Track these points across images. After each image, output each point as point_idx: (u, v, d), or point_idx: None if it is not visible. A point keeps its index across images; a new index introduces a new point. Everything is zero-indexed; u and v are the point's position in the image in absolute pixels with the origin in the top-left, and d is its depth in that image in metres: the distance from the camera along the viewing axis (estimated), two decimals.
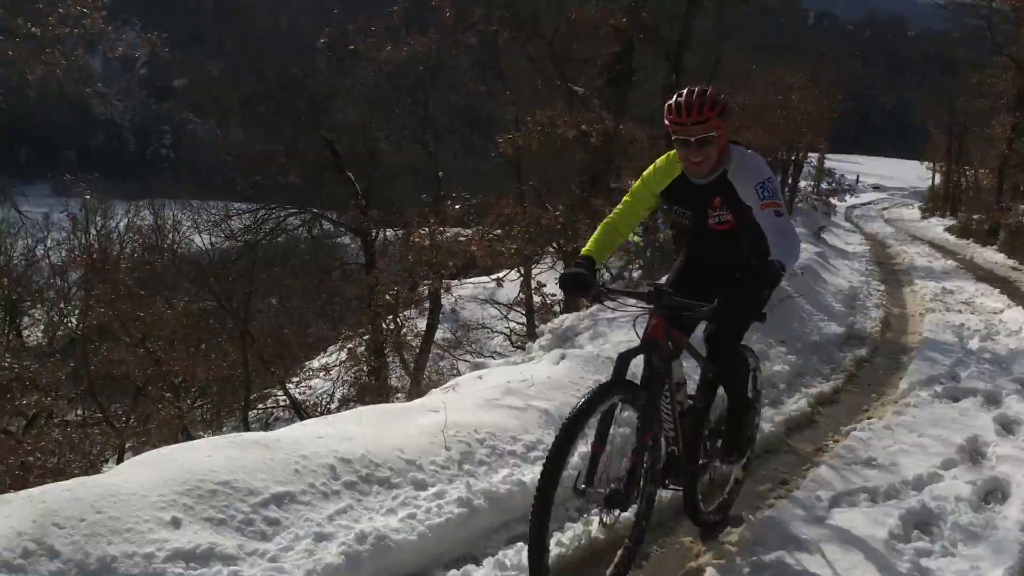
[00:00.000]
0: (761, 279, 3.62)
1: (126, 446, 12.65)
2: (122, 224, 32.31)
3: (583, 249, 4.11)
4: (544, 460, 3.47)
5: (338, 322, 22.07)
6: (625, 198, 4.28)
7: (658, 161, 4.25)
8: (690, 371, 4.46)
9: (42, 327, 25.28)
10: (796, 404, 7.21)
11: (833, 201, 33.30)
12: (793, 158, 25.87)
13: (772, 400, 7.30)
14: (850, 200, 40.60)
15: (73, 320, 22.23)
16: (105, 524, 3.63)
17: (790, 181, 26.09)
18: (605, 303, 3.97)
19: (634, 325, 3.96)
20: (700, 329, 4.51)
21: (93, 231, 29.93)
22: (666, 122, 3.90)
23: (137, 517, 3.70)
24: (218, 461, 4.20)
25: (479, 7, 10.73)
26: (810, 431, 6.75)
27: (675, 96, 3.88)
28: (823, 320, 10.65)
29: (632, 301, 4.02)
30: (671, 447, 4.10)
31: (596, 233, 4.19)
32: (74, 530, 3.56)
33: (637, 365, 3.84)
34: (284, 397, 17.55)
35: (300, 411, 16.41)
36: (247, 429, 14.04)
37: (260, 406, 18.17)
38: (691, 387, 4.43)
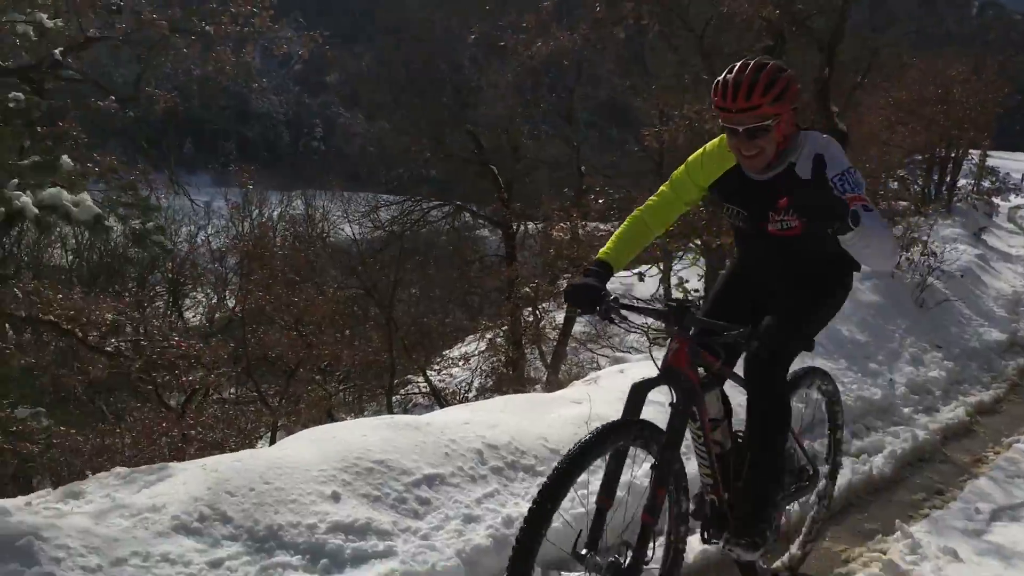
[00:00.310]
0: (821, 203, 2.73)
1: (278, 424, 13.31)
2: (275, 213, 33.89)
3: (600, 251, 3.38)
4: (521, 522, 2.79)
5: (477, 313, 22.50)
6: (663, 187, 3.49)
7: (709, 144, 3.42)
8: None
9: (202, 308, 26.86)
10: (953, 412, 6.92)
11: (995, 201, 31.42)
12: (953, 155, 24.55)
13: (927, 407, 7.04)
14: (1015, 200, 38.21)
15: (230, 302, 23.52)
16: (272, 495, 3.87)
17: (948, 179, 24.78)
18: (616, 322, 3.20)
19: (650, 351, 3.34)
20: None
21: (250, 219, 31.53)
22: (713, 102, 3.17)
23: (301, 490, 3.92)
24: (374, 441, 4.40)
25: (630, 1, 10.70)
26: (968, 441, 6.47)
27: (724, 72, 3.11)
28: (983, 326, 10.12)
29: (650, 321, 3.40)
30: (710, 495, 3.43)
31: (620, 230, 3.43)
32: (244, 498, 3.81)
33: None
34: (424, 383, 18.03)
35: (440, 398, 16.83)
36: (390, 413, 14.50)
37: (401, 391, 18.74)
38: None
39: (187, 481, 3.99)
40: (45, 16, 7.84)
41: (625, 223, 3.44)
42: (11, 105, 5.15)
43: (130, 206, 6.29)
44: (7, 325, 11.06)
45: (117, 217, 5.86)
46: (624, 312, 3.17)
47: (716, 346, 3.23)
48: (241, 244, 19.05)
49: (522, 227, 21.50)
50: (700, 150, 3.43)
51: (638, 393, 3.04)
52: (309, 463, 4.15)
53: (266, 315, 15.96)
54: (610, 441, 2.91)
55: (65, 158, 5.24)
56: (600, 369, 8.18)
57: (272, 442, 12.41)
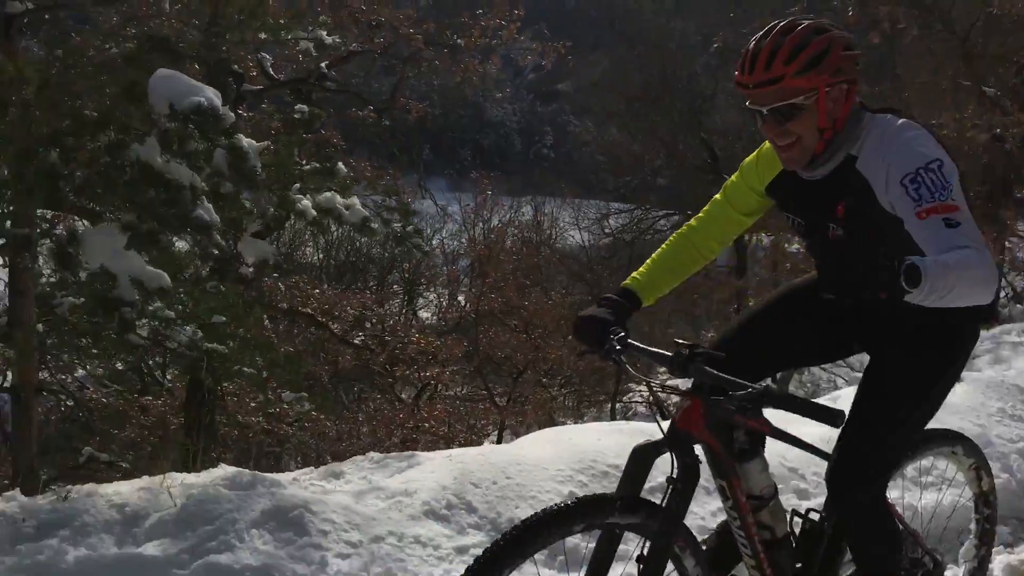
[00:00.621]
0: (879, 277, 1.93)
1: (504, 423, 13.75)
2: (506, 218, 34.96)
3: (631, 275, 2.71)
4: None
5: (702, 324, 22.14)
6: (716, 196, 2.81)
7: (766, 143, 2.64)
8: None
9: (434, 308, 28.17)
10: None
11: None
12: None
13: None
14: None
15: (461, 300, 24.54)
16: (513, 489, 4.02)
17: None
18: (624, 366, 2.48)
19: (651, 409, 2.55)
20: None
21: (482, 223, 32.72)
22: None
23: (539, 487, 4.05)
24: (608, 445, 4.46)
25: (886, 4, 10.19)
26: None
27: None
28: None
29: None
30: None
31: (659, 251, 2.76)
32: (488, 491, 3.99)
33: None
34: (646, 392, 17.97)
35: (662, 408, 16.67)
36: (612, 419, 14.58)
37: (623, 399, 18.80)
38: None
39: (435, 470, 4.22)
40: (324, 33, 8.61)
41: (666, 242, 2.78)
42: (296, 116, 5.71)
43: (392, 210, 6.80)
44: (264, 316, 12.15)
45: (381, 219, 6.36)
46: (634, 352, 2.45)
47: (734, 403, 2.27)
48: (478, 248, 19.85)
49: (754, 239, 20.96)
50: (756, 151, 2.73)
51: (640, 460, 2.36)
52: (547, 462, 4.27)
53: (496, 317, 16.52)
54: (576, 521, 2.22)
55: (340, 165, 5.75)
56: (838, 389, 7.84)
57: (499, 440, 12.83)
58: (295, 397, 8.00)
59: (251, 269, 6.86)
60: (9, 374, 7.12)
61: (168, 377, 12.71)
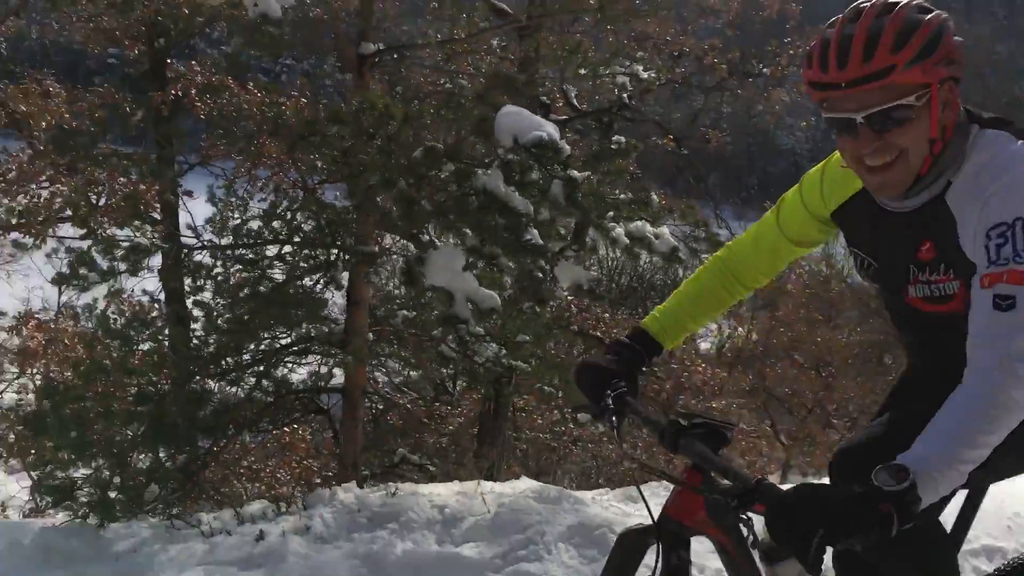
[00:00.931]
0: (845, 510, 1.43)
1: (791, 463, 13.28)
2: None
3: (650, 313, 2.24)
4: None
5: None
6: (767, 215, 2.24)
7: (834, 156, 2.07)
8: None
9: (712, 338, 27.73)
10: None
11: None
12: None
13: None
14: None
15: (740, 331, 23.99)
16: None
17: None
18: (614, 430, 1.97)
19: (638, 487, 2.16)
20: None
21: None
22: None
23: None
24: None
25: None
26: None
27: (826, 27, 1.83)
28: None
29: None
30: None
31: (690, 281, 2.28)
32: None
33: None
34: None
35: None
36: None
37: None
38: None
39: None
40: (640, 67, 8.94)
41: (699, 269, 2.31)
42: (612, 147, 5.96)
43: (699, 240, 6.90)
44: None
45: (688, 249, 6.46)
46: (632, 415, 1.99)
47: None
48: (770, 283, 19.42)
49: None
50: (818, 166, 2.15)
51: (626, 548, 1.95)
52: None
53: (782, 351, 16.00)
54: None
55: (652, 195, 5.96)
56: None
57: (783, 479, 12.40)
58: (590, 418, 8.23)
59: (566, 292, 7.21)
60: (337, 375, 7.96)
61: (456, 388, 13.49)
